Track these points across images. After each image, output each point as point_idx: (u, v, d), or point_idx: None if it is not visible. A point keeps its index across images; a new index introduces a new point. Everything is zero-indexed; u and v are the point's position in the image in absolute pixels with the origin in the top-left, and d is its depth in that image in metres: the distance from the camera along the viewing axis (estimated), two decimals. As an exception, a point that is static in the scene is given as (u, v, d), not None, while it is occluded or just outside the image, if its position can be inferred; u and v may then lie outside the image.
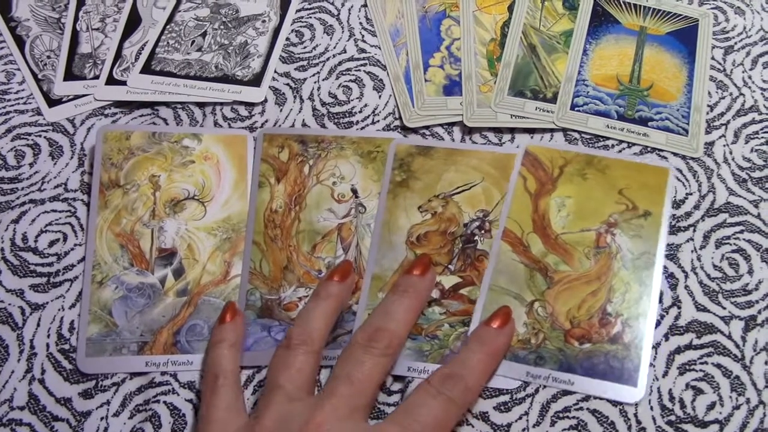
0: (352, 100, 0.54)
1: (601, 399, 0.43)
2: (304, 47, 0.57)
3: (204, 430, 0.40)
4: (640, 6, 0.58)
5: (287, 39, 0.57)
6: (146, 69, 0.56)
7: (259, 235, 0.48)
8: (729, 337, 0.45)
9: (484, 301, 0.46)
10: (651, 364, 0.44)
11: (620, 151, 0.51)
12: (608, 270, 0.46)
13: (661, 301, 0.46)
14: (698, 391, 0.43)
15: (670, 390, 0.43)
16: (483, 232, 0.48)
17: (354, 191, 0.50)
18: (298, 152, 0.51)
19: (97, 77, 0.55)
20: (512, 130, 0.53)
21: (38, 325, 0.46)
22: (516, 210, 0.48)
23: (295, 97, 0.54)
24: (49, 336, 0.46)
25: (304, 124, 0.53)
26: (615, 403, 0.43)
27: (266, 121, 0.53)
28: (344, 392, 0.39)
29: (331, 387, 0.40)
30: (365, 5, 0.59)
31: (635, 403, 0.43)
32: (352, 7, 0.59)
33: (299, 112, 0.54)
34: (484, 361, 0.42)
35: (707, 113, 0.53)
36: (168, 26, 0.58)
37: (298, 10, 0.59)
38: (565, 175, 0.50)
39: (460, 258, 0.47)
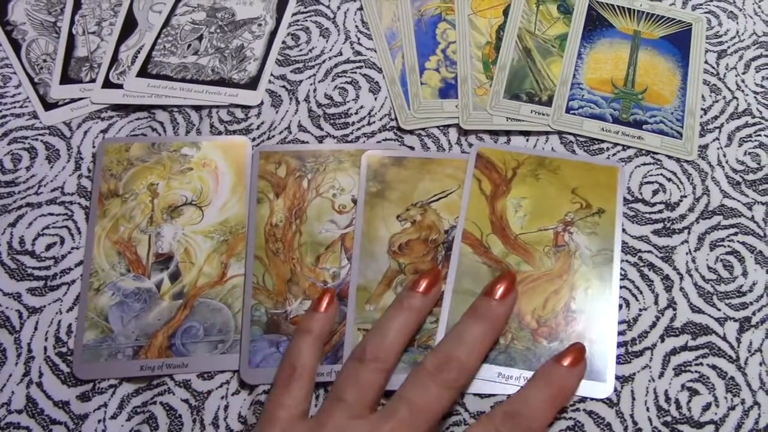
0: (348, 102, 0.54)
1: (587, 399, 0.43)
2: (300, 50, 0.57)
3: (265, 427, 0.39)
4: (633, 10, 0.59)
5: (283, 42, 0.57)
6: (142, 72, 0.56)
7: (261, 249, 0.48)
8: (724, 338, 0.45)
9: (449, 304, 0.46)
10: (646, 363, 0.44)
11: (615, 154, 0.52)
12: (569, 268, 0.47)
13: (656, 302, 0.46)
14: (694, 392, 0.44)
15: (666, 391, 0.44)
16: None
17: (355, 201, 0.50)
18: (296, 167, 0.51)
19: (93, 81, 0.55)
20: (508, 133, 0.53)
21: (36, 328, 0.46)
22: (473, 212, 0.49)
23: (291, 98, 0.54)
24: (46, 339, 0.46)
25: (299, 126, 0.53)
26: (612, 404, 0.43)
27: (262, 123, 0.53)
28: (404, 417, 0.38)
29: (392, 409, 0.39)
30: (361, 9, 0.59)
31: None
32: (347, 10, 0.59)
33: (295, 113, 0.54)
34: (549, 402, 0.40)
35: (701, 116, 0.54)
36: (164, 30, 0.58)
37: (294, 14, 0.59)
38: (518, 176, 0.50)
39: (444, 265, 0.47)
